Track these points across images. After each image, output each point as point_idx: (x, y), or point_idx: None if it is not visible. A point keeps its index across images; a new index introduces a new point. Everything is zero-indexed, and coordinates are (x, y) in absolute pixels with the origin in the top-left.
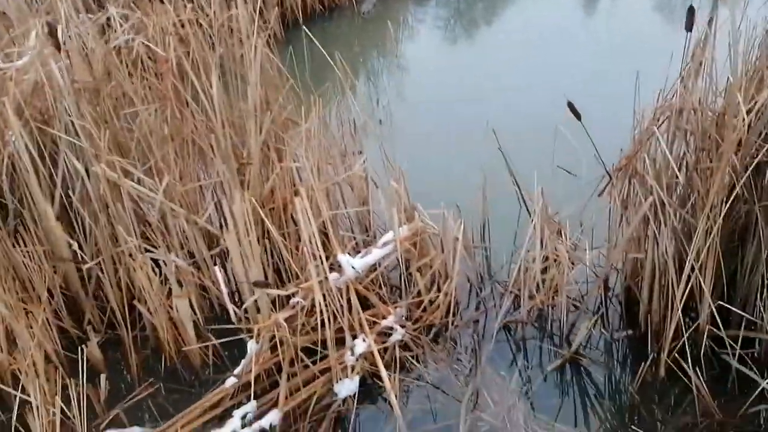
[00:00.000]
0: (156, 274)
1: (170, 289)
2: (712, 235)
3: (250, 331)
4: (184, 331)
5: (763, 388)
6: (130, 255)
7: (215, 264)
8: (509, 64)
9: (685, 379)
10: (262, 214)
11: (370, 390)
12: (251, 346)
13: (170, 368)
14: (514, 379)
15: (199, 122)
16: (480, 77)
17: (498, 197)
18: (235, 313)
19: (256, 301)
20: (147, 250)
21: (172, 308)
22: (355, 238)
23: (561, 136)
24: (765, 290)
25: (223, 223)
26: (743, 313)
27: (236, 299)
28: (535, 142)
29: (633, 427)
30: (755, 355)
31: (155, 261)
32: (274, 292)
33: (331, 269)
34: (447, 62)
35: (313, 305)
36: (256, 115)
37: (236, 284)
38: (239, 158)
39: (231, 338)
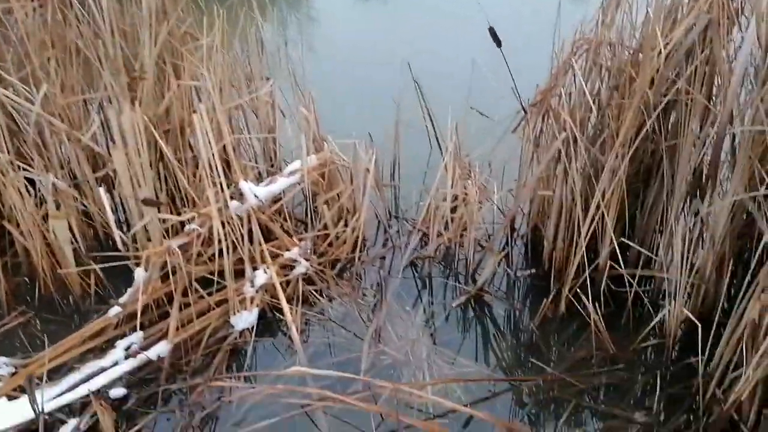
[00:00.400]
0: (31, 195)
1: (48, 213)
2: (619, 173)
3: (138, 258)
4: (62, 256)
5: (654, 325)
6: (1, 171)
7: (100, 185)
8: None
9: (584, 315)
10: (156, 135)
11: (270, 324)
12: (139, 273)
13: (46, 297)
14: (419, 314)
15: (84, 28)
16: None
17: (409, 137)
18: (122, 240)
19: (146, 226)
20: (21, 168)
21: (48, 231)
22: (258, 169)
23: (480, 76)
24: (661, 231)
25: (111, 142)
26: (643, 251)
27: (124, 229)
28: (450, 80)
29: (532, 360)
30: (649, 293)
31: (31, 181)
32: (168, 217)
33: (232, 198)
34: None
35: (210, 234)
36: (152, 24)
37: (124, 211)
38: (130, 72)
39: (116, 264)
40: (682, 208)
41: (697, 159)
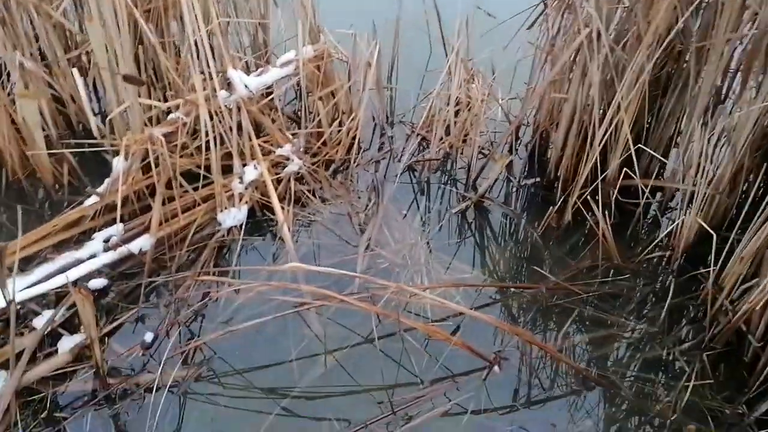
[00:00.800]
0: None
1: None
2: (643, 76)
3: (115, 147)
4: (32, 141)
5: (661, 237)
6: None
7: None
8: None
9: (590, 225)
10: (137, 13)
11: (259, 223)
12: (118, 162)
13: (14, 185)
14: (417, 219)
15: None
16: None
17: (408, 38)
18: (98, 128)
19: (124, 114)
20: None
21: (16, 113)
22: (246, 61)
23: None
24: (676, 142)
25: (86, 15)
26: (662, 158)
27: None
28: None
29: (534, 268)
30: (659, 205)
31: None
32: (150, 102)
33: (220, 88)
34: None
35: (196, 125)
36: None
37: (98, 100)
38: None
39: (92, 151)
40: (704, 117)
41: (725, 63)
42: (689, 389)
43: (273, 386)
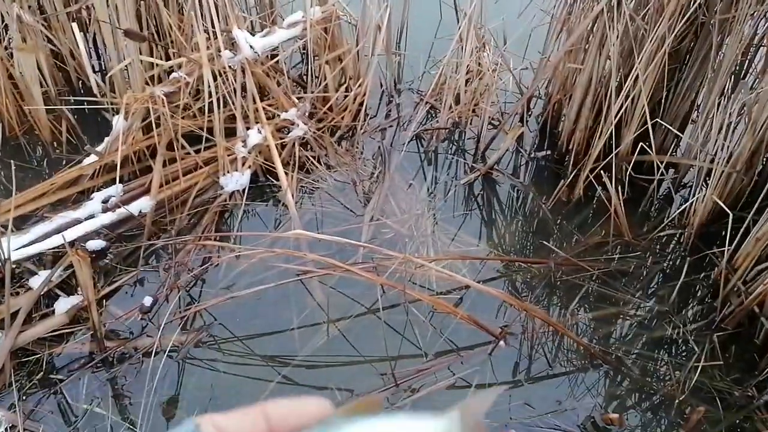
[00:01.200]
0: None
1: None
2: (664, 47)
3: (116, 105)
4: (30, 97)
5: (674, 215)
6: None
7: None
8: None
9: (601, 201)
10: None
11: (262, 189)
12: (118, 121)
13: (12, 142)
14: (423, 189)
15: None
16: None
17: (419, 2)
18: (98, 86)
19: (125, 71)
20: None
21: (14, 68)
22: (251, 20)
23: None
24: (692, 118)
25: None
26: (678, 133)
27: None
28: None
29: (543, 243)
30: (673, 182)
31: None
32: (152, 60)
33: (225, 48)
34: None
35: (199, 85)
36: None
37: (99, 57)
38: None
39: (91, 109)
40: (723, 91)
41: (749, 37)
42: (698, 370)
43: (274, 354)
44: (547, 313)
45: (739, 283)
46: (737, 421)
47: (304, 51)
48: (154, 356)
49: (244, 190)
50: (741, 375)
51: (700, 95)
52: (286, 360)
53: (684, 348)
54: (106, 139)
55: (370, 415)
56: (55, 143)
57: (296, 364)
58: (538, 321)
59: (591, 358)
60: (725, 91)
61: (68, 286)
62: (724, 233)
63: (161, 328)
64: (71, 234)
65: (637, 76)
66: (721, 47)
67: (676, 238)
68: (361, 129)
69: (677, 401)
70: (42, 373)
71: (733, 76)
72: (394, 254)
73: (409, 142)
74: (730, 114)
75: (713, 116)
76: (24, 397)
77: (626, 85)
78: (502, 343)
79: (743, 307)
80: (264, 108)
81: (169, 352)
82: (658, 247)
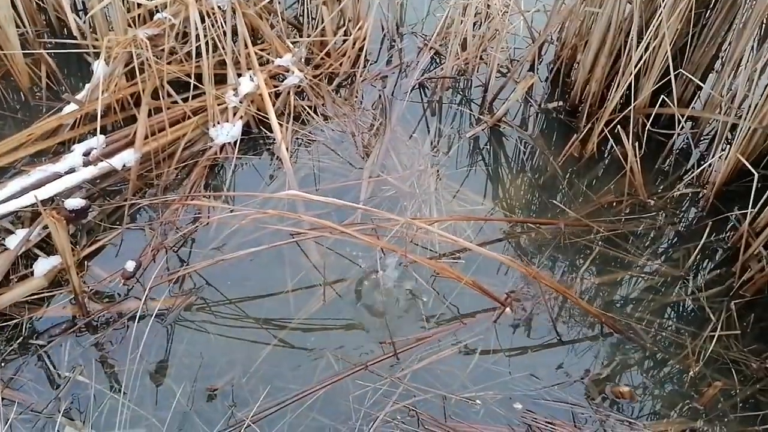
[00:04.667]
0: None
1: None
2: None
3: (97, 48)
4: (5, 39)
5: (691, 173)
6: None
7: None
8: None
9: (615, 157)
10: None
11: (255, 141)
12: (99, 65)
13: None
14: (426, 142)
15: None
16: None
17: None
18: (78, 27)
19: (107, 12)
20: None
21: None
22: None
23: None
24: (713, 68)
25: None
26: (699, 83)
27: (81, 16)
28: None
29: (553, 201)
30: (690, 137)
31: None
32: None
33: None
34: None
35: (186, 28)
36: None
37: None
38: None
39: (72, 53)
40: (755, 39)
41: None
42: (714, 339)
43: (267, 318)
44: (557, 277)
45: (761, 248)
46: (754, 393)
47: None
48: (141, 320)
49: (235, 142)
50: (759, 346)
51: (726, 43)
52: (281, 324)
53: (700, 316)
54: (87, 85)
55: None
56: (34, 88)
57: (292, 327)
58: (545, 287)
59: (600, 325)
60: (753, 38)
61: (48, 245)
62: (745, 193)
63: (147, 290)
64: (50, 189)
65: (660, 21)
66: None
67: (693, 198)
68: (360, 76)
69: (691, 372)
70: (22, 338)
71: (764, 22)
72: (395, 217)
73: (411, 90)
74: (757, 64)
75: (743, 65)
76: (2, 364)
77: (648, 31)
78: (507, 309)
79: (764, 274)
80: (256, 53)
81: (156, 316)
82: (674, 207)
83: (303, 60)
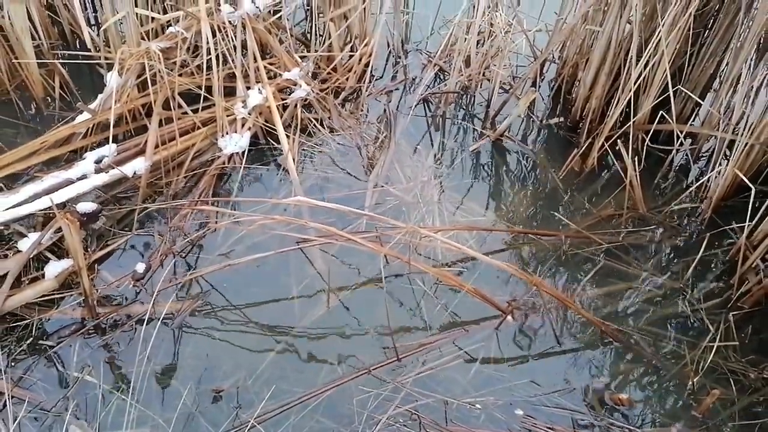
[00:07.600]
0: None
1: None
2: (690, 8)
3: (110, 60)
4: (21, 50)
5: (689, 188)
6: None
7: None
8: None
9: (615, 171)
10: None
11: (262, 151)
12: (112, 77)
13: (2, 98)
14: (430, 155)
15: None
16: None
17: None
18: (92, 39)
19: (120, 25)
20: None
21: (4, 18)
22: None
23: None
24: (712, 86)
25: None
26: (699, 100)
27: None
28: None
29: (554, 214)
30: (689, 153)
31: None
32: (148, 13)
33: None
34: None
35: (198, 41)
36: None
37: (94, 9)
38: None
39: (85, 64)
40: (752, 58)
41: None
42: (712, 350)
43: (272, 324)
44: (558, 287)
45: (758, 261)
46: (752, 403)
47: (308, 7)
48: (148, 324)
49: (243, 152)
50: (757, 356)
51: (724, 62)
52: (285, 330)
53: (698, 327)
54: (100, 96)
55: None
56: (48, 99)
57: (295, 334)
58: (547, 296)
59: (601, 335)
60: (750, 58)
61: (59, 248)
62: (743, 208)
63: (155, 295)
64: (62, 195)
65: (659, 40)
66: (751, 6)
67: (692, 212)
68: (366, 91)
69: (690, 382)
70: (32, 339)
71: (761, 41)
72: (399, 224)
73: (416, 105)
74: (753, 82)
75: (740, 84)
76: (12, 364)
77: (647, 50)
78: (509, 317)
79: (762, 286)
80: (265, 67)
81: (163, 319)
82: (674, 220)
83: (310, 74)
